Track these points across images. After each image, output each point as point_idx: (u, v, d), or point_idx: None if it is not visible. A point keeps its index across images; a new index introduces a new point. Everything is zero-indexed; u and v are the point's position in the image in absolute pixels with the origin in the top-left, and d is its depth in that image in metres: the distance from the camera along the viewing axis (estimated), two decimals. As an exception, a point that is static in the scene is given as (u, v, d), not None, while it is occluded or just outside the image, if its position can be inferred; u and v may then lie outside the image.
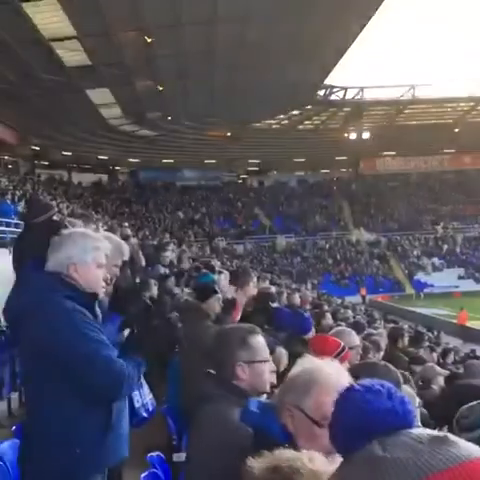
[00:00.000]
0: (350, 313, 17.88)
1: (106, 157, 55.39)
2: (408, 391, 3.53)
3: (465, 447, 1.07)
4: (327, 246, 57.20)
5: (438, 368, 8.23)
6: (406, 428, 1.15)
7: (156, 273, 10.67)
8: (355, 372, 3.01)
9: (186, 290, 8.38)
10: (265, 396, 2.81)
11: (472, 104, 53.16)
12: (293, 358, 2.62)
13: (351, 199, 64.32)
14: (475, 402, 2.83)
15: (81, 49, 27.47)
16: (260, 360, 2.88)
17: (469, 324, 31.61)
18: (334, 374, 2.19)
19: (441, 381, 7.57)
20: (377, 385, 1.24)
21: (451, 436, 1.11)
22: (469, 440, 1.11)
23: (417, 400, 3.76)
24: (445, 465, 1.03)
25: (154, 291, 8.46)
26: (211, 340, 3.11)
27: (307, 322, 6.56)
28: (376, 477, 1.05)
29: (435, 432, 1.12)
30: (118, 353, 3.10)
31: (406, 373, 5.86)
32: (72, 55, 28.08)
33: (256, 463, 1.57)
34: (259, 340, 2.94)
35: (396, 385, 2.95)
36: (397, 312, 37.16)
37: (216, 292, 6.49)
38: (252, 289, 7.98)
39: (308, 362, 2.32)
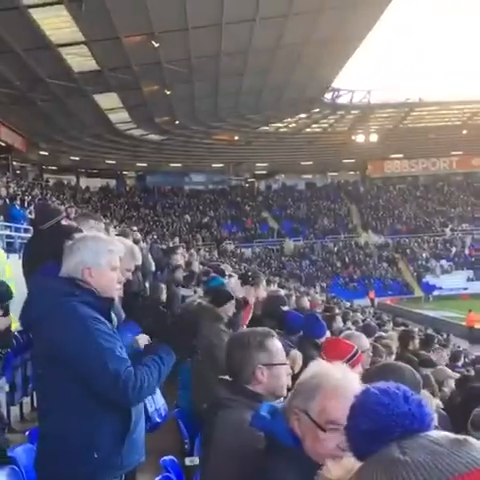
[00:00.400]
0: (359, 316, 17.90)
1: (114, 162, 55.46)
2: (424, 394, 3.51)
3: None
4: (335, 249, 57.10)
5: (449, 371, 8.21)
6: (424, 431, 1.15)
7: (165, 277, 10.72)
8: (377, 374, 3.00)
9: (199, 290, 8.38)
10: (282, 399, 2.82)
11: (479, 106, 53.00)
12: (306, 361, 2.62)
13: (359, 202, 64.26)
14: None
15: (89, 54, 27.55)
16: (278, 363, 2.91)
17: (478, 326, 31.49)
18: (341, 379, 2.19)
19: (452, 384, 7.55)
20: (393, 388, 1.24)
21: (471, 439, 1.11)
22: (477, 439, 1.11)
23: (434, 403, 3.75)
24: (466, 468, 1.03)
25: (164, 296, 8.49)
26: (227, 343, 3.13)
27: (321, 326, 6.56)
28: None
29: (454, 435, 1.12)
30: (137, 356, 3.10)
31: (429, 375, 5.86)
32: (80, 60, 28.18)
33: (334, 470, 1.56)
34: (276, 343, 2.97)
35: (417, 387, 2.96)
36: (406, 315, 37.07)
37: (232, 298, 6.50)
38: (262, 291, 7.99)
39: (317, 366, 2.33)
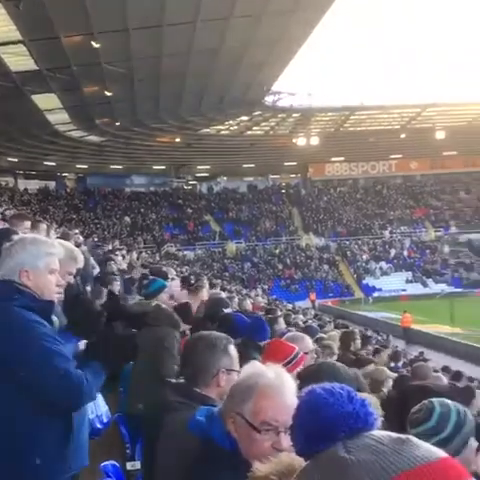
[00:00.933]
0: (301, 318, 18.05)
1: (53, 163, 54.70)
2: (367, 394, 3.58)
3: (427, 448, 1.09)
4: (277, 251, 57.43)
5: (388, 371, 8.32)
6: (368, 430, 1.16)
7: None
8: (314, 374, 3.03)
9: (138, 296, 8.32)
10: None
11: (418, 110, 54.16)
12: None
13: (300, 204, 64.83)
14: (426, 400, 2.90)
15: (27, 54, 27.06)
16: (235, 370, 2.92)
17: (416, 327, 32.11)
18: (275, 379, 2.20)
19: (391, 383, 7.65)
20: (338, 388, 1.25)
21: (413, 438, 1.12)
22: (416, 434, 1.14)
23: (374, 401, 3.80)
24: (409, 466, 1.04)
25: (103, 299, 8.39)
26: (192, 343, 3.12)
27: (266, 329, 6.57)
28: (341, 479, 1.06)
29: (397, 434, 1.14)
30: (77, 363, 3.05)
31: (369, 375, 5.95)
32: (18, 60, 27.65)
33: (261, 467, 1.56)
34: (235, 350, 2.98)
35: (353, 385, 3.00)
36: (347, 316, 37.52)
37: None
38: (205, 295, 7.97)
39: (250, 368, 2.34)
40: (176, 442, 2.55)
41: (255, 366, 2.35)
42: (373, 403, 3.30)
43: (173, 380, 2.97)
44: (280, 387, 2.14)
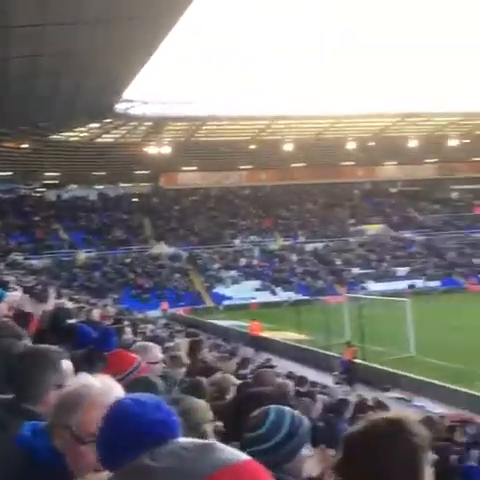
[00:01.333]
0: (150, 327, 18.01)
1: None
2: (201, 404, 3.62)
3: (230, 452, 1.13)
4: (128, 260, 56.94)
5: (233, 378, 8.42)
6: (174, 438, 1.19)
7: None
8: (129, 386, 3.04)
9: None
10: None
11: (267, 122, 55.68)
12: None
13: (152, 213, 64.64)
14: (266, 407, 2.96)
15: None
16: (66, 385, 2.84)
17: (264, 334, 32.79)
18: (101, 390, 2.19)
19: (235, 390, 7.76)
20: (144, 398, 1.27)
21: (217, 443, 1.16)
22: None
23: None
24: (212, 469, 1.08)
25: None
26: (21, 358, 2.99)
27: (111, 338, 6.50)
28: None
29: (202, 441, 1.17)
30: None
31: (203, 381, 6.02)
32: None
33: None
34: (68, 364, 2.90)
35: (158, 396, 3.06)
36: (198, 325, 37.75)
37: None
38: (51, 305, 7.77)
39: (78, 379, 2.32)
40: (2, 458, 2.47)
41: (82, 378, 2.31)
42: (202, 410, 3.38)
43: (3, 396, 2.85)
44: (108, 397, 2.13)
